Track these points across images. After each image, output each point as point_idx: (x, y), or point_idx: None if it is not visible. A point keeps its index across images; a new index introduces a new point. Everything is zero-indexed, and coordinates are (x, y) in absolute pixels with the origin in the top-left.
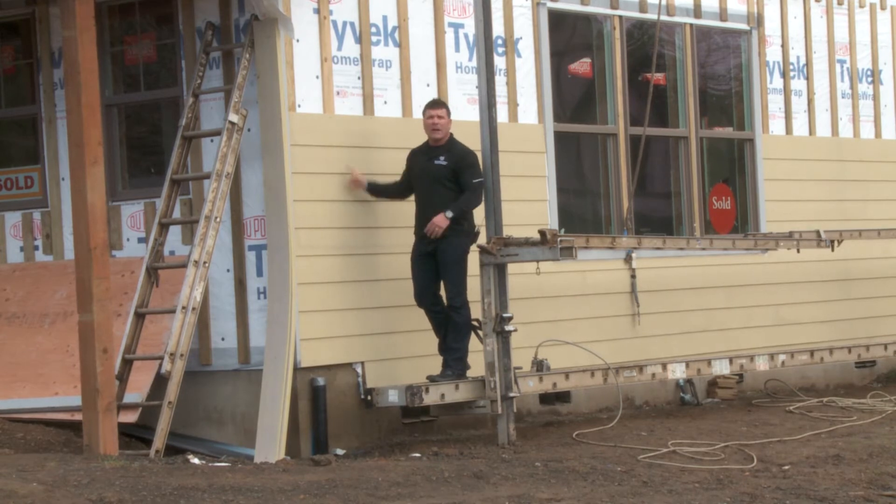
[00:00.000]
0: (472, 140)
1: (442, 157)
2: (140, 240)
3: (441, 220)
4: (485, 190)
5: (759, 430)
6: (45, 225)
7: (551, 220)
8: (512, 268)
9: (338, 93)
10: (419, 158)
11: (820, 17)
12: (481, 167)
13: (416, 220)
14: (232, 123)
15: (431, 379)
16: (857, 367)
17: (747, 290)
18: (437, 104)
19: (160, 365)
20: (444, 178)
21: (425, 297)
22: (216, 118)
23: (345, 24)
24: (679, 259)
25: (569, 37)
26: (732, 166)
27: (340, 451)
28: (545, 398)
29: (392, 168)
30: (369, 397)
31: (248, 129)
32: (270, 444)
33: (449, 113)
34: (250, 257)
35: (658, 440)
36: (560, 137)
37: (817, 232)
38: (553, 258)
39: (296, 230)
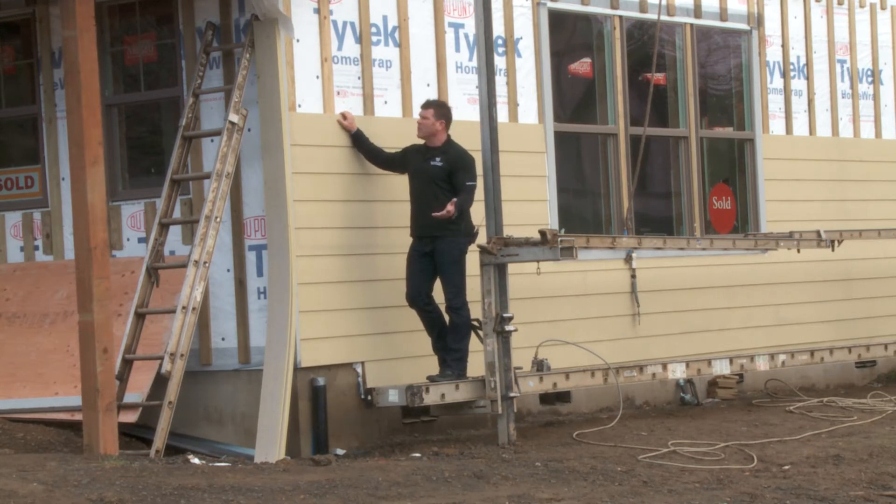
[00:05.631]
0: (472, 140)
1: (438, 159)
2: (140, 240)
3: (451, 206)
4: (485, 190)
5: (760, 430)
6: (45, 225)
7: (551, 220)
8: (512, 268)
9: (338, 93)
10: (417, 157)
11: (820, 17)
12: (479, 169)
13: (413, 219)
14: (232, 123)
15: (431, 379)
16: (858, 367)
17: (747, 290)
18: (425, 104)
19: (160, 365)
20: (440, 180)
21: (419, 297)
22: (216, 118)
23: (345, 24)
24: (679, 259)
25: (569, 37)
26: (733, 166)
27: (340, 451)
28: (545, 398)
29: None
30: (369, 397)
31: (249, 129)
32: (270, 444)
33: (441, 114)
34: (250, 257)
35: (658, 440)
36: (560, 137)
37: (817, 232)
38: (553, 258)
39: (296, 230)
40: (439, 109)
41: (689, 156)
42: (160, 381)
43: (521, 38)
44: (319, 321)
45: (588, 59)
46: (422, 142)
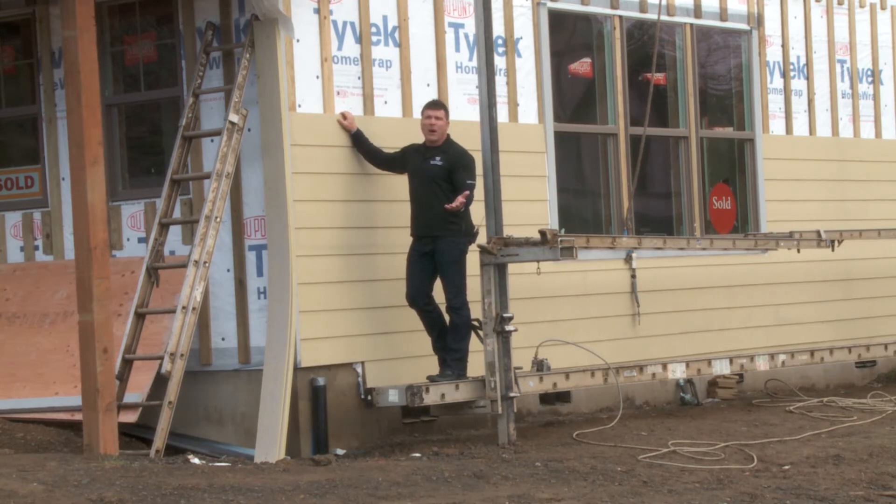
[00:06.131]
0: (472, 140)
1: (438, 158)
2: (140, 240)
3: (461, 199)
4: (485, 190)
5: (760, 430)
6: (45, 225)
7: (551, 220)
8: (512, 268)
9: (338, 93)
10: (416, 157)
11: (820, 17)
12: (479, 168)
13: (413, 219)
14: (232, 123)
15: (431, 379)
16: (858, 367)
17: (747, 290)
18: (436, 105)
19: (160, 365)
20: (440, 179)
21: (419, 297)
22: (216, 118)
23: (345, 24)
24: (679, 259)
25: (569, 37)
26: (733, 166)
27: (340, 451)
28: (545, 398)
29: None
30: (369, 397)
31: (249, 129)
32: (271, 444)
33: (447, 115)
34: (250, 257)
35: (658, 440)
36: (560, 137)
37: (818, 232)
38: (553, 258)
39: (296, 230)
40: (446, 110)
41: (689, 156)
42: (160, 381)
43: (521, 38)
44: (319, 321)
45: (588, 59)
46: (420, 141)
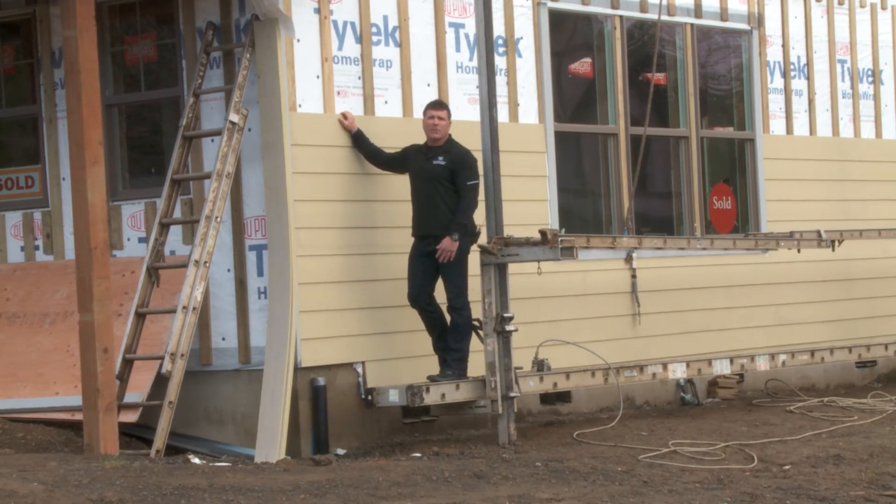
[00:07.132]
0: (472, 140)
1: (440, 158)
2: (141, 240)
3: (449, 245)
4: (485, 190)
5: (760, 429)
6: (45, 225)
7: (552, 220)
8: (512, 268)
9: (338, 93)
10: (417, 157)
11: (820, 16)
12: (480, 168)
13: (414, 219)
14: (232, 123)
15: (432, 379)
16: (858, 366)
17: (748, 289)
18: (439, 105)
19: (161, 365)
20: (443, 179)
21: (421, 297)
22: (217, 118)
23: (345, 23)
24: (679, 259)
25: (569, 37)
26: (733, 166)
27: (341, 451)
28: (546, 398)
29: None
30: (370, 397)
31: (249, 129)
32: (271, 444)
33: (449, 115)
34: (251, 257)
35: (658, 440)
36: (560, 137)
37: (818, 232)
38: (554, 258)
39: (296, 230)
40: (449, 110)
41: (690, 156)
42: (160, 381)
43: (522, 37)
44: (320, 321)
45: (588, 59)
46: (420, 141)
